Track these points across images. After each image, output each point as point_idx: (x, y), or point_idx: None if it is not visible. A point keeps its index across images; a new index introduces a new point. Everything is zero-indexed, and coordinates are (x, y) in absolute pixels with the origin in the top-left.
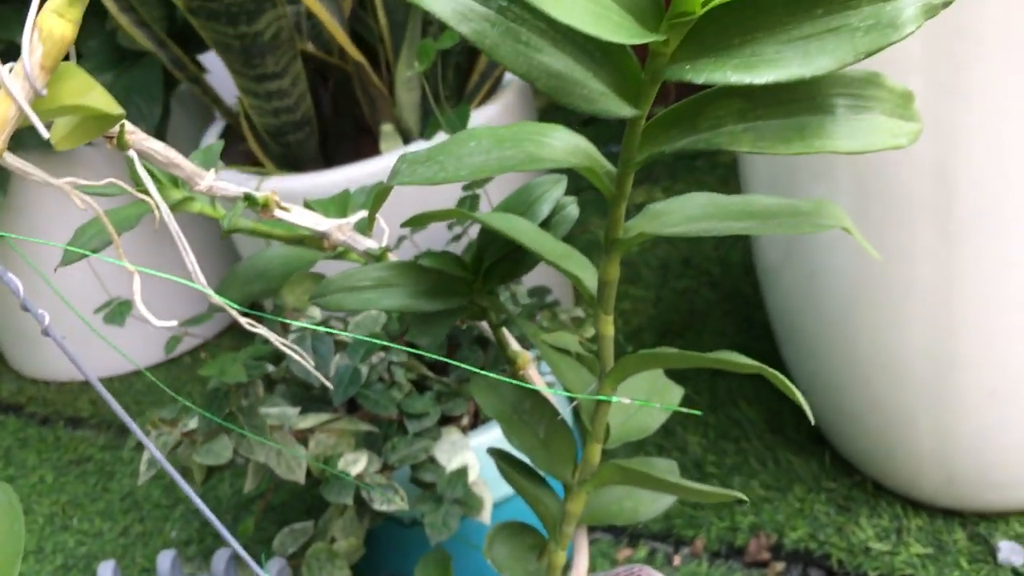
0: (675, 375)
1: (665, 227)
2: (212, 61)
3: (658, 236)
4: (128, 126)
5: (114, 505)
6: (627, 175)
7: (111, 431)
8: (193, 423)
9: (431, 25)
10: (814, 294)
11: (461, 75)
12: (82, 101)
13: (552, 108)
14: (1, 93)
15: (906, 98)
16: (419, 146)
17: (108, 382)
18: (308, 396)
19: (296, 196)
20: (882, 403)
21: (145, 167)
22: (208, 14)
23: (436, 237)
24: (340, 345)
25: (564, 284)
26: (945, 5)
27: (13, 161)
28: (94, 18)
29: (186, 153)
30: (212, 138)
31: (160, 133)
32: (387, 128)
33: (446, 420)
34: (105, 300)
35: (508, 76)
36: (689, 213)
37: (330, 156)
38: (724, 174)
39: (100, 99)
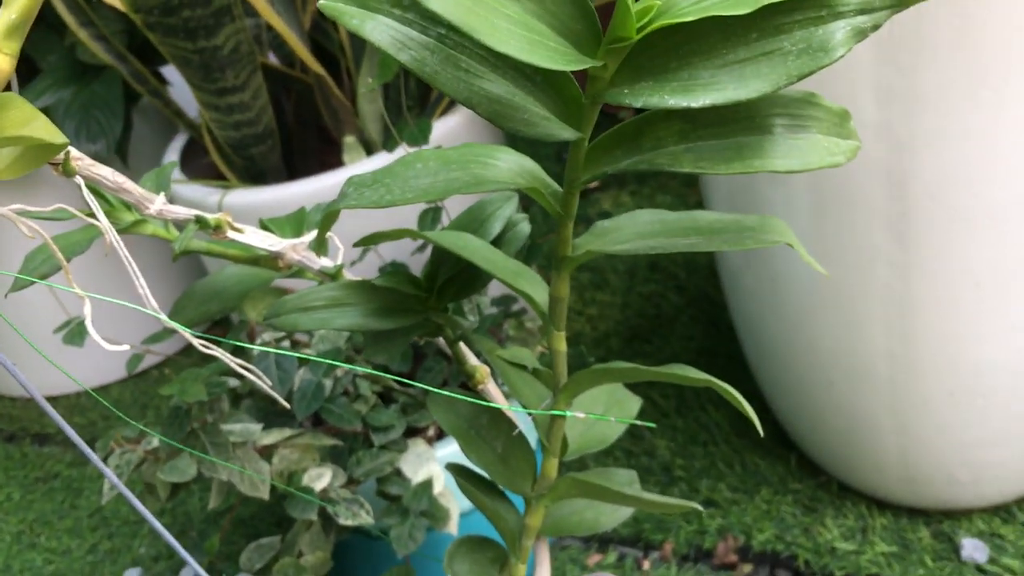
0: (643, 380)
1: (613, 244)
2: (174, 74)
3: (606, 253)
4: (74, 152)
5: (82, 522)
6: (572, 195)
7: (78, 448)
8: (156, 441)
9: None
10: (776, 298)
11: (423, 85)
12: (24, 132)
13: None
14: None
15: (843, 117)
16: (381, 158)
17: (76, 398)
18: (273, 411)
19: (259, 209)
20: (845, 405)
21: (95, 191)
22: (165, 30)
23: (400, 248)
24: (304, 359)
25: None
26: (874, 28)
27: None
28: (52, 32)
29: (149, 167)
30: (175, 152)
31: (122, 147)
32: (350, 140)
33: (412, 432)
34: (65, 319)
35: None
36: (636, 230)
37: (294, 168)
38: (689, 178)
39: (42, 129)
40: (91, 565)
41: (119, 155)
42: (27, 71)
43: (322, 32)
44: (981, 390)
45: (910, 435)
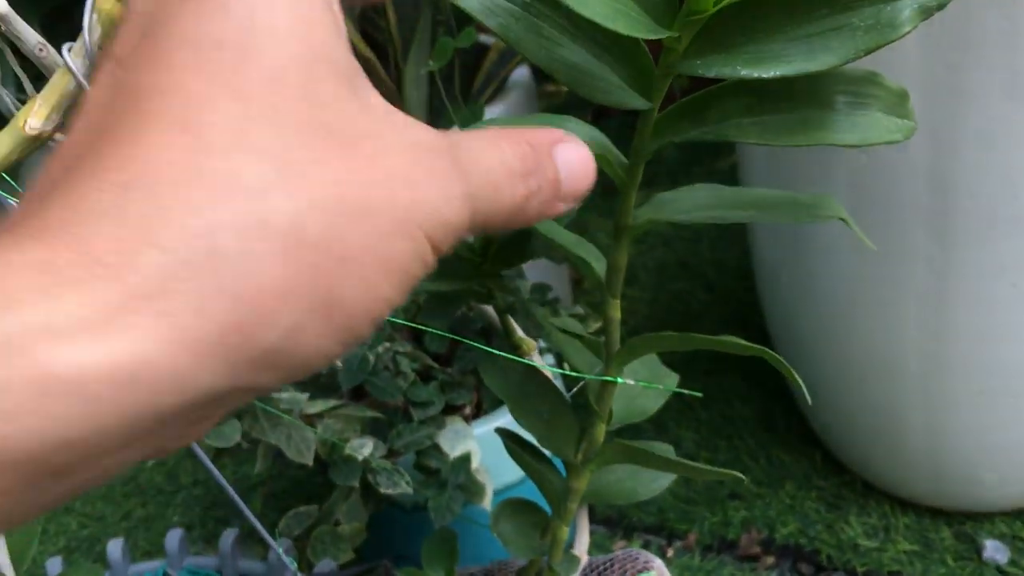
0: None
1: (672, 214)
2: None
3: (667, 221)
4: None
5: (115, 490)
6: (638, 165)
7: None
8: None
9: (441, 25)
10: (811, 295)
11: (467, 75)
12: None
13: (556, 110)
14: (61, 71)
15: (902, 97)
16: None
17: None
18: (315, 383)
19: None
20: (875, 403)
21: None
22: None
23: None
24: None
25: (563, 283)
26: (940, 7)
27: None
28: None
29: None
30: None
31: None
32: None
33: (449, 409)
34: None
35: (513, 77)
36: (694, 202)
37: None
38: (722, 180)
39: None
40: (125, 531)
41: None
42: None
43: (370, 22)
44: (1012, 390)
45: (938, 434)
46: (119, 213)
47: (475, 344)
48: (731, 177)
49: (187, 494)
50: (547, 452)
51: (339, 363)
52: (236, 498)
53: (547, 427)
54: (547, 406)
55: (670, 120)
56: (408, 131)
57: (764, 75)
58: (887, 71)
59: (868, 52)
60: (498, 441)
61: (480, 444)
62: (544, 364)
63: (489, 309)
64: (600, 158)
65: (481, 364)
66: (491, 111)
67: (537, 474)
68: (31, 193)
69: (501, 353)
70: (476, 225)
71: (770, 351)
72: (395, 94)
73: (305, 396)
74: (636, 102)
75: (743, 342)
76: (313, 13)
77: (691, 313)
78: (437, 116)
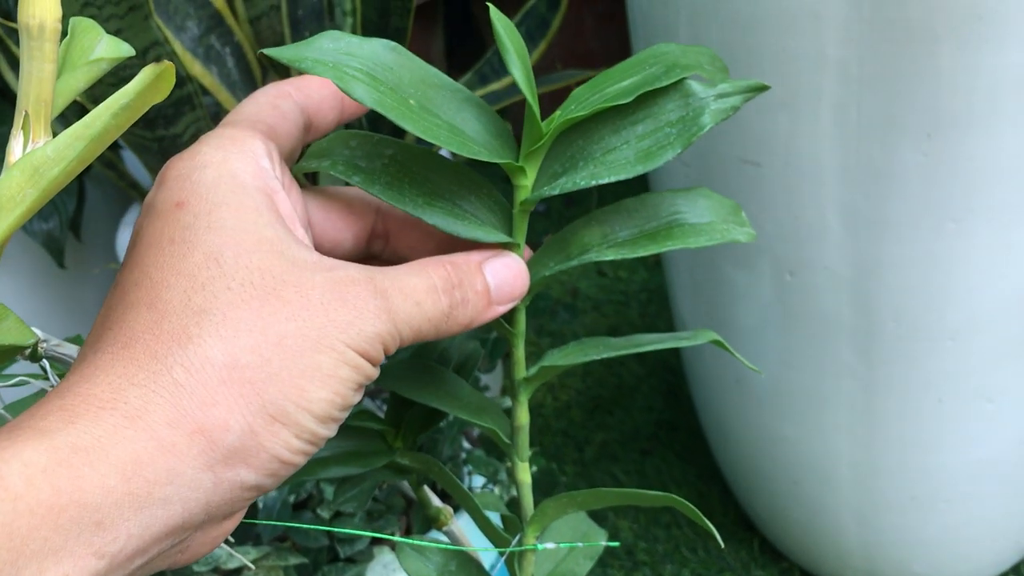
0: (606, 455)
1: (564, 360)
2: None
3: (560, 368)
4: (39, 334)
5: None
6: (519, 309)
7: None
8: None
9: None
10: (741, 400)
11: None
12: None
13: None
14: None
15: (735, 209)
16: None
17: None
18: (232, 533)
19: None
20: (808, 500)
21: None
22: None
23: None
24: None
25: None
26: (734, 109)
27: None
28: (3, 101)
29: (103, 241)
30: (128, 226)
31: (75, 223)
32: None
33: (378, 540)
34: None
35: None
36: (585, 352)
37: None
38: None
39: (13, 331)
40: None
41: (72, 231)
42: None
43: None
44: (943, 495)
45: (872, 532)
46: (114, 367)
47: (389, 537)
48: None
49: None
50: None
51: (260, 504)
52: None
53: None
54: None
55: (538, 262)
56: (332, 272)
57: (602, 181)
58: (808, 198)
59: (684, 148)
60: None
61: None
62: (462, 534)
63: (404, 484)
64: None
65: (399, 549)
66: None
67: None
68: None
69: (413, 541)
70: (406, 335)
71: (678, 498)
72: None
73: (226, 550)
74: (503, 238)
75: (652, 494)
76: (255, 210)
77: (624, 386)
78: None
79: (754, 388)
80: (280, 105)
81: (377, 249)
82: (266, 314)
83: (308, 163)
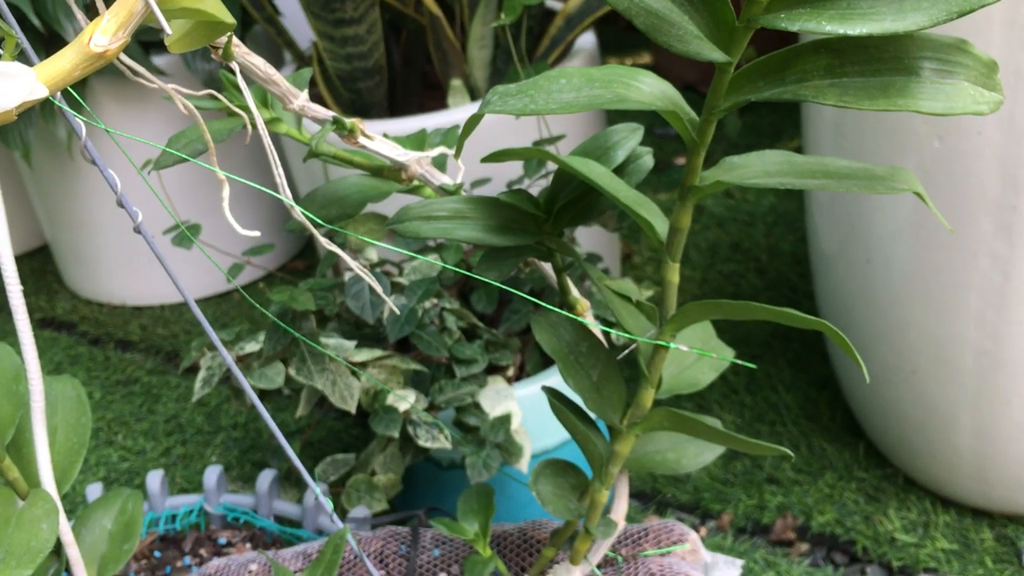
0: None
1: (742, 178)
2: (286, 4)
3: (735, 186)
4: (233, 39)
5: (158, 427)
6: (710, 122)
7: (159, 356)
8: (249, 347)
9: None
10: (868, 282)
11: (532, 40)
12: (199, 5)
13: None
14: None
15: (991, 68)
16: None
17: (159, 310)
18: (360, 334)
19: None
20: (925, 397)
21: (231, 84)
22: None
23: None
24: (396, 287)
25: (613, 258)
26: None
27: (127, 61)
28: None
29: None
30: None
31: None
32: (456, 83)
33: (492, 369)
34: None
35: (578, 43)
36: (764, 167)
37: (396, 107)
38: None
39: (214, 6)
40: (163, 467)
41: None
42: None
43: None
44: None
45: (988, 434)
46: None
47: (531, 299)
48: None
49: (226, 436)
50: (592, 414)
51: (386, 314)
52: (280, 436)
53: (595, 389)
54: (597, 368)
55: (747, 77)
56: None
57: (851, 32)
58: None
59: (961, 15)
60: (539, 405)
61: (521, 406)
62: (597, 324)
63: (547, 267)
64: (671, 115)
65: (534, 320)
66: None
67: (581, 435)
68: None
69: (555, 309)
70: None
71: (830, 325)
72: (459, 53)
73: (352, 344)
74: (714, 54)
75: (803, 315)
76: None
77: (741, 295)
78: (499, 76)
79: (884, 272)
80: None
81: None
82: None
83: None
